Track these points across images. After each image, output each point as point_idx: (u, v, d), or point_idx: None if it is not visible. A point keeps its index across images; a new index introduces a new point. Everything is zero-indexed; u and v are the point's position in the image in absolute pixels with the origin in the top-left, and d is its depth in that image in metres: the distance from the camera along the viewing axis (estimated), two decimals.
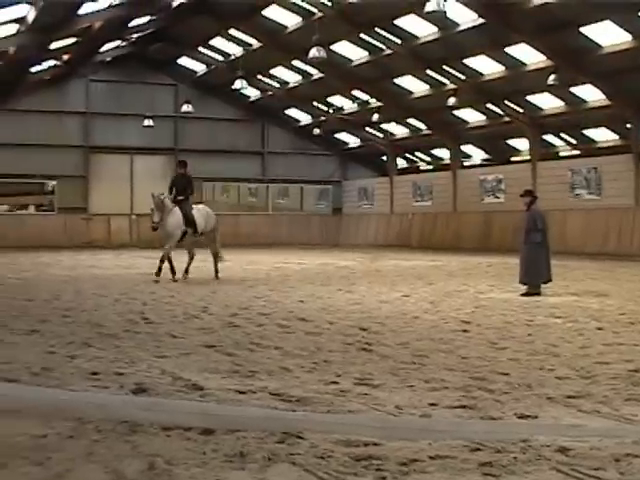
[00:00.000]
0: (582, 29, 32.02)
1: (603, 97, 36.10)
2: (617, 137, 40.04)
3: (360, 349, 10.25)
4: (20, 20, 30.98)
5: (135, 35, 42.36)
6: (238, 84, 41.20)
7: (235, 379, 8.24)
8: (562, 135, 42.38)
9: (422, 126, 46.68)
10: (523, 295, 17.02)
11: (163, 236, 21.54)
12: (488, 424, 6.42)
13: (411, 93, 42.84)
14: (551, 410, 6.91)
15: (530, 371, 8.63)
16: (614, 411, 6.90)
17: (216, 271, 22.23)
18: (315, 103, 48.53)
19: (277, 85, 46.94)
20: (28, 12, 29.43)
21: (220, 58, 44.82)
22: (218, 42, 42.88)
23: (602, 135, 41.04)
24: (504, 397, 7.35)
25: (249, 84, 43.21)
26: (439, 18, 31.91)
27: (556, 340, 10.93)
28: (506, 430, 6.13)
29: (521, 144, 43.99)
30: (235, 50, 42.89)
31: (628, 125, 36.98)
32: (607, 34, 32.17)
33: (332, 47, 38.35)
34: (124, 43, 44.15)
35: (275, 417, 6.50)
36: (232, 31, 40.56)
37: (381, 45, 37.85)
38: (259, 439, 5.85)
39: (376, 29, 36.16)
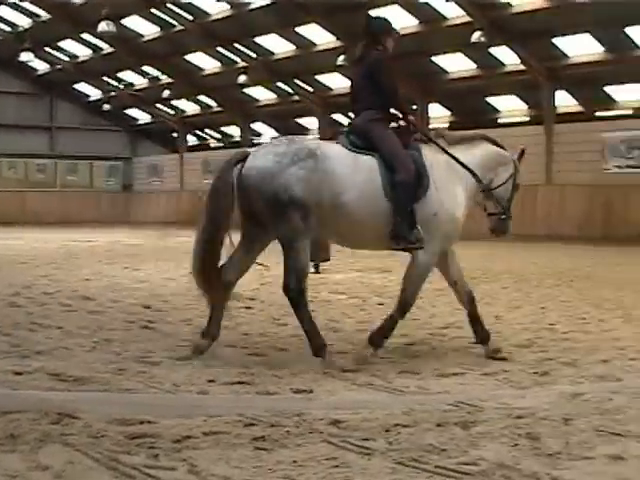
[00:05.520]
0: (371, 11, 32.65)
1: None
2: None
3: (142, 327, 10.18)
4: None
5: None
6: (25, 56, 39.94)
7: (12, 360, 8.00)
8: (350, 115, 43.16)
9: (213, 103, 46.62)
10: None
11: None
12: (265, 399, 6.51)
13: (202, 70, 42.74)
14: (326, 384, 7.07)
15: (309, 346, 8.79)
16: (387, 383, 7.14)
17: None
18: (105, 78, 47.68)
19: (66, 59, 45.81)
20: None
21: (7, 29, 43.31)
22: (4, 11, 41.36)
23: None
24: (282, 372, 7.46)
25: (37, 57, 41.98)
26: None
27: (338, 315, 11.18)
28: (282, 405, 6.23)
29: (310, 123, 44.53)
30: (23, 21, 41.51)
31: (414, 106, 38.01)
32: (396, 17, 32.95)
33: (122, 21, 37.83)
34: None
35: (50, 398, 6.38)
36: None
37: (172, 21, 37.54)
38: (32, 420, 5.72)
39: (167, 5, 35.89)
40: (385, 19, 9.18)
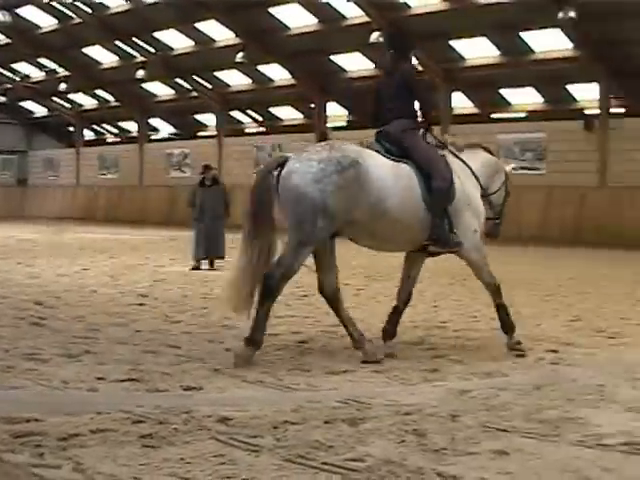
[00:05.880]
0: (270, 9, 32.73)
1: (289, 76, 37.05)
2: (301, 116, 41.23)
3: (32, 324, 10.01)
4: None
5: None
6: None
7: None
8: (249, 112, 43.14)
9: (110, 98, 46.10)
10: (195, 269, 17.35)
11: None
12: (154, 397, 6.48)
13: (100, 64, 42.25)
14: (217, 381, 7.07)
15: (201, 343, 8.78)
16: (277, 381, 7.16)
17: None
18: (0, 69, 46.73)
19: None
20: None
21: None
22: None
23: (287, 113, 42.13)
24: (172, 370, 7.43)
25: None
26: None
27: (230, 313, 11.15)
28: (171, 402, 6.20)
29: (208, 119, 44.37)
30: None
31: (312, 105, 38.18)
32: (296, 16, 33.07)
33: (18, 11, 37.14)
34: None
35: None
36: None
37: (70, 13, 37.03)
38: None
39: None
40: (407, 34, 9.60)
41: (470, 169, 9.25)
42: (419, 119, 9.11)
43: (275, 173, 8.22)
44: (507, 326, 9.02)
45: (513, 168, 10.45)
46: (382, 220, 8.36)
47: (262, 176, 8.37)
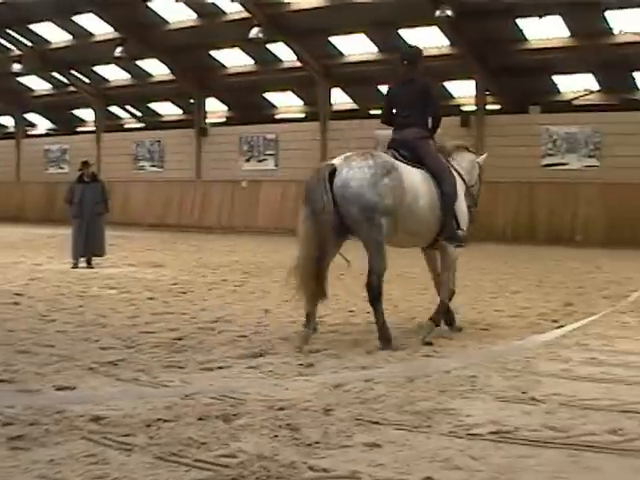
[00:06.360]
0: (149, 3, 32.51)
1: (168, 72, 36.83)
2: (181, 111, 41.01)
3: None
4: None
5: None
6: None
7: None
8: (127, 107, 42.70)
9: None
10: (74, 267, 17.09)
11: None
12: (25, 397, 6.37)
13: None
14: (91, 380, 6.99)
15: (75, 342, 8.67)
16: (152, 378, 7.12)
17: None
18: None
19: None
20: None
21: None
22: None
23: (166, 109, 41.85)
24: (45, 369, 7.32)
25: None
26: None
27: (106, 311, 11.07)
28: (43, 402, 6.12)
29: (87, 114, 43.76)
30: None
31: (191, 100, 38.01)
32: (175, 11, 32.89)
33: None
34: None
35: None
36: None
37: None
38: None
39: None
40: (417, 47, 11.13)
41: (459, 173, 10.28)
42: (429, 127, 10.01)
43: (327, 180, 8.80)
44: (439, 314, 10.01)
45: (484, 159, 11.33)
46: (414, 219, 9.32)
47: (318, 182, 8.84)
